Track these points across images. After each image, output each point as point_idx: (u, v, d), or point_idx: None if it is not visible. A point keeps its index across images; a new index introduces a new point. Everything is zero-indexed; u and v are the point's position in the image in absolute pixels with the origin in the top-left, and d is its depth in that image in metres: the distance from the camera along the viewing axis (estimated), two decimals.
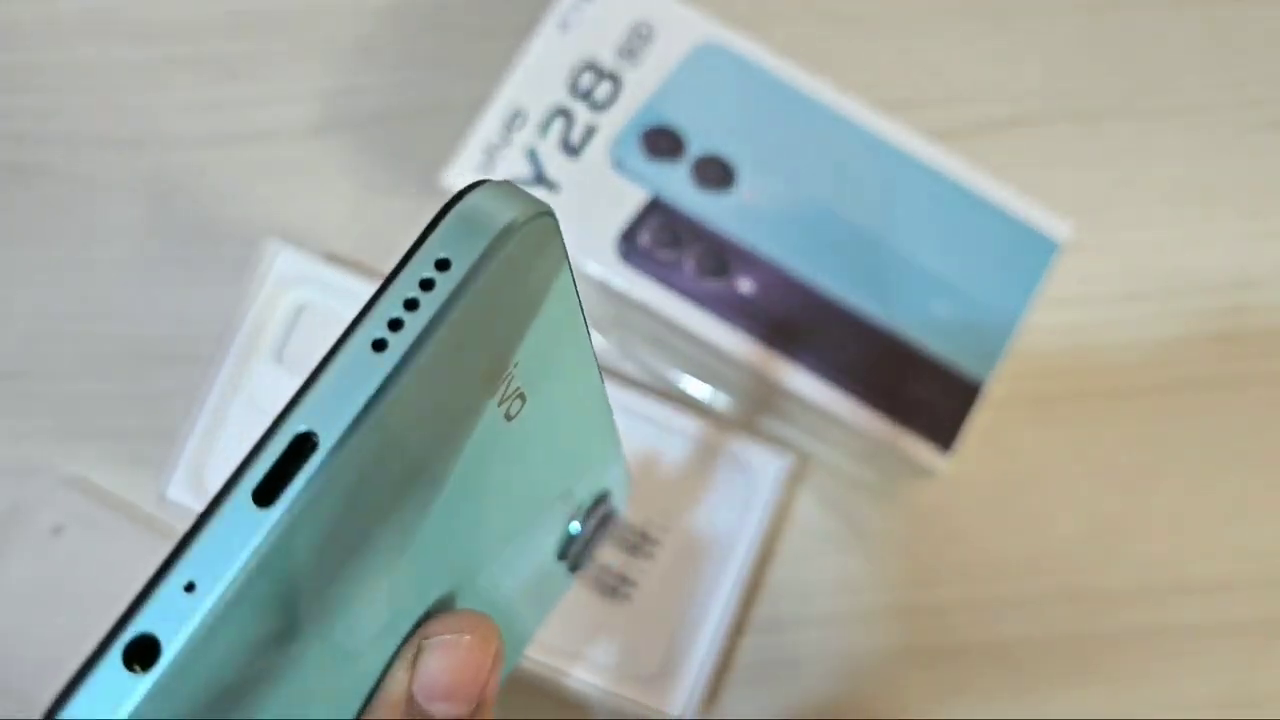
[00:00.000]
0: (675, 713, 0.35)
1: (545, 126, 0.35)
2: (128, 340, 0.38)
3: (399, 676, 0.19)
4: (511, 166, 0.35)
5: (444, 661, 0.19)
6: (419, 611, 0.19)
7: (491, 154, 0.35)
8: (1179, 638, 0.37)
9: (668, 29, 0.36)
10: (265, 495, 0.14)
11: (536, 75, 0.35)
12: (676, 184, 0.35)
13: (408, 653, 0.19)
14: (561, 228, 0.16)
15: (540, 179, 0.35)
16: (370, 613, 0.17)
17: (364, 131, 0.39)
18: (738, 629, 0.37)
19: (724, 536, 0.35)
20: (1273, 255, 0.39)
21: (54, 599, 0.36)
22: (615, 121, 0.35)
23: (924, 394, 0.34)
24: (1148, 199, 0.39)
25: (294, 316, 0.37)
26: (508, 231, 0.15)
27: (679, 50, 0.36)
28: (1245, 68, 0.40)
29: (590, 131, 0.35)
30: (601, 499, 0.24)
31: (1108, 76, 0.40)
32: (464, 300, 0.14)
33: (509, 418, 0.17)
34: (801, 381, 0.34)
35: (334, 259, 0.37)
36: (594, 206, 0.35)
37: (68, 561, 0.36)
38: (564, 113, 0.35)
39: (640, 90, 0.36)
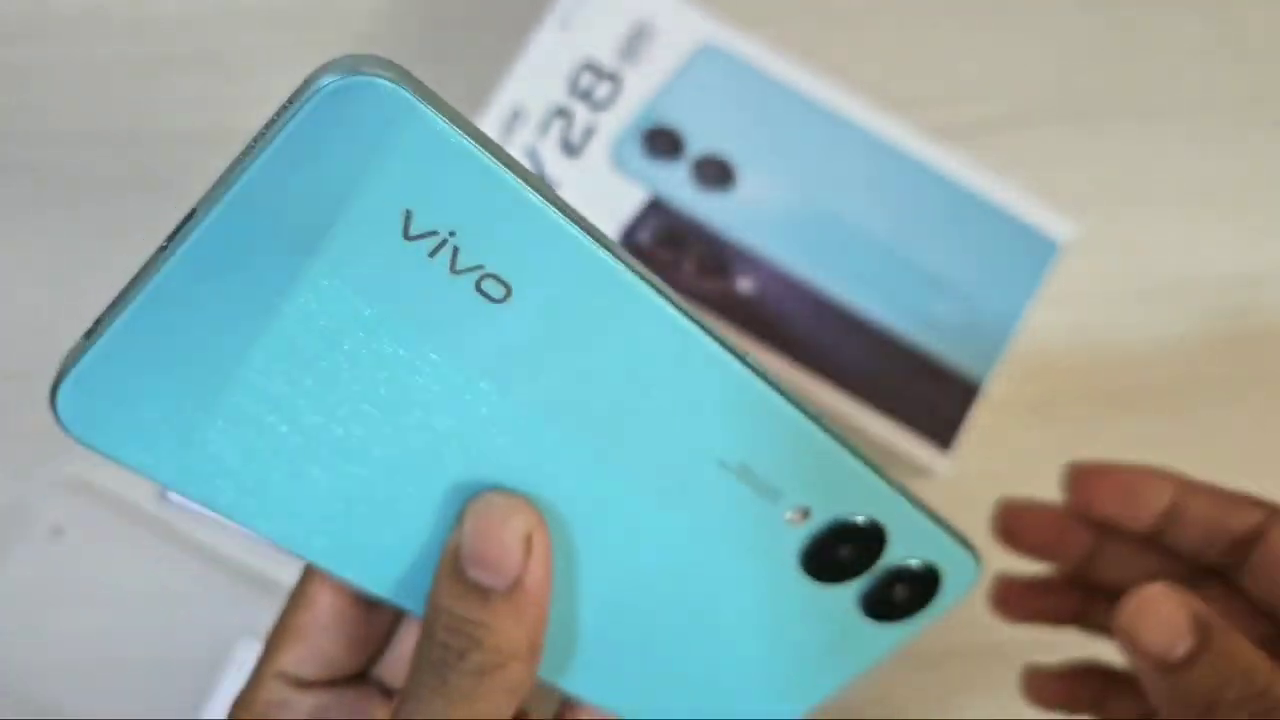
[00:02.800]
0: None
1: (545, 126, 0.35)
2: None
3: (454, 532, 0.21)
4: None
5: (470, 526, 0.20)
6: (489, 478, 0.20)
7: None
8: None
9: (668, 29, 0.36)
10: None
11: (537, 74, 0.35)
12: (676, 184, 0.35)
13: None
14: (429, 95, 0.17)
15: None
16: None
17: None
18: None
19: None
20: (1278, 255, 0.39)
21: (54, 600, 0.36)
22: (615, 121, 0.35)
23: (923, 394, 0.34)
24: (1151, 198, 0.39)
25: None
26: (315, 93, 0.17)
27: (679, 50, 0.36)
28: (1249, 65, 0.40)
29: (590, 131, 0.35)
30: (857, 528, 0.23)
31: (1111, 75, 0.40)
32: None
33: (486, 296, 0.18)
34: (800, 381, 0.34)
35: None
36: (594, 206, 0.35)
37: (68, 562, 0.36)
38: (564, 112, 0.35)
39: (641, 90, 0.35)
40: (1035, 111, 0.39)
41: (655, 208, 0.35)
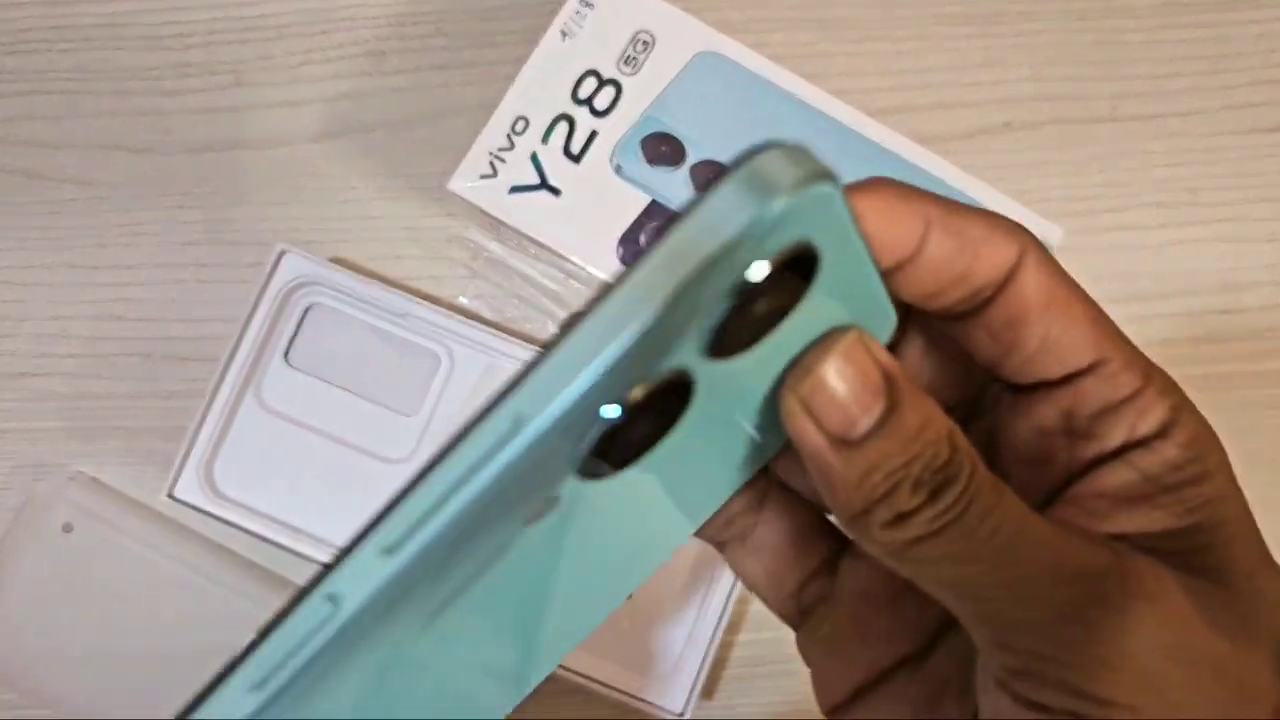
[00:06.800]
0: (677, 708, 0.35)
1: (548, 132, 0.36)
2: (137, 341, 0.39)
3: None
4: (515, 172, 0.36)
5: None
6: None
7: (496, 160, 0.36)
8: None
9: (668, 37, 0.37)
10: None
11: (540, 82, 0.36)
12: (676, 189, 0.36)
13: None
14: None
15: (543, 184, 0.36)
16: None
17: (371, 137, 0.40)
18: (732, 625, 0.37)
19: None
20: (1259, 258, 0.40)
21: (64, 595, 0.37)
22: (616, 128, 0.36)
23: None
24: (1136, 203, 0.40)
25: (301, 318, 0.37)
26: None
27: (679, 58, 0.37)
28: (1231, 72, 0.41)
29: (592, 137, 0.36)
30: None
31: (1096, 82, 0.41)
32: None
33: None
34: None
35: (340, 262, 0.38)
36: (595, 211, 0.35)
37: (78, 558, 0.37)
38: (566, 119, 0.36)
39: (641, 97, 0.36)
40: (1023, 117, 0.40)
41: (655, 211, 0.36)
